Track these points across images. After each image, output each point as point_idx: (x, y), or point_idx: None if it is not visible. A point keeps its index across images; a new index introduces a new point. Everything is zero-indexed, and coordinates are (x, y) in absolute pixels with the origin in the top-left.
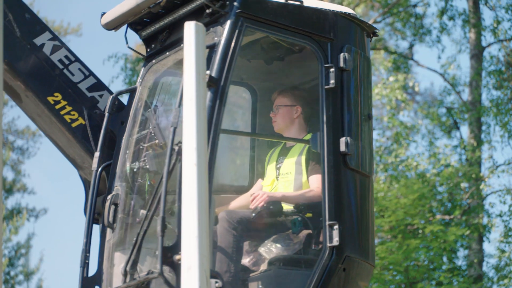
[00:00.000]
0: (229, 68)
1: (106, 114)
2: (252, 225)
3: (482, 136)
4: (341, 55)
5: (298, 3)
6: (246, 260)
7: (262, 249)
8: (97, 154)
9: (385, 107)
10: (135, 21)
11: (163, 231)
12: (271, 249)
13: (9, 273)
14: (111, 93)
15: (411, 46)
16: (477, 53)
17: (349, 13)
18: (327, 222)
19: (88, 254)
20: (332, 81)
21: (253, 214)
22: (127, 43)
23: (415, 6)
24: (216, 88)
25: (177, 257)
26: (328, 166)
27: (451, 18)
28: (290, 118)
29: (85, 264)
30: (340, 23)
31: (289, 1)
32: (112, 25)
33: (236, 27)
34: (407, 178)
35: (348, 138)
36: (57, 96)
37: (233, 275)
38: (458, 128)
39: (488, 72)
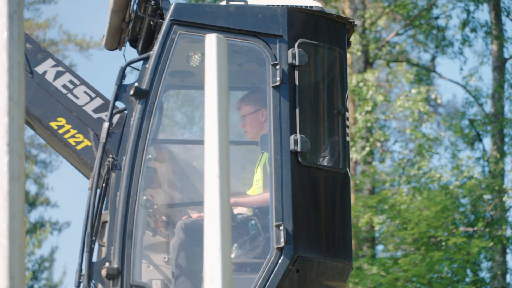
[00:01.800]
0: (160, 78)
1: (115, 86)
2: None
3: (505, 148)
4: (290, 50)
5: (242, 3)
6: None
7: None
8: (92, 173)
9: (407, 120)
10: (131, 38)
11: (89, 247)
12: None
13: (33, 286)
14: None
15: (433, 58)
16: (499, 64)
17: (309, 6)
18: (274, 223)
19: (82, 274)
20: (277, 79)
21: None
22: (125, 61)
23: (437, 18)
24: (146, 99)
25: (103, 271)
26: (275, 165)
27: (473, 30)
28: (258, 123)
29: (79, 284)
30: (292, 18)
31: (231, 2)
32: (110, 46)
33: (168, 35)
34: (430, 190)
35: (299, 136)
36: (60, 121)
37: (182, 283)
38: (480, 140)
39: (511, 84)
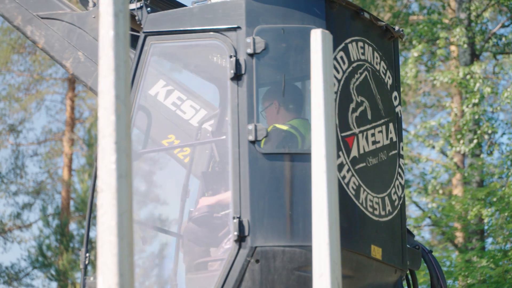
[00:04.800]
0: (134, 91)
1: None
2: (194, 232)
3: None
4: (246, 40)
5: (205, 2)
6: (186, 269)
7: (193, 256)
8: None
9: None
10: None
11: (84, 263)
12: (202, 255)
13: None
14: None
15: None
16: None
17: None
18: (232, 216)
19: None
20: (231, 71)
21: (191, 222)
22: None
23: None
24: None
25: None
26: (233, 158)
27: None
28: (273, 116)
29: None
30: (251, 6)
31: (195, 4)
32: None
33: (142, 47)
34: None
35: (255, 124)
36: (170, 137)
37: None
38: None
39: None
